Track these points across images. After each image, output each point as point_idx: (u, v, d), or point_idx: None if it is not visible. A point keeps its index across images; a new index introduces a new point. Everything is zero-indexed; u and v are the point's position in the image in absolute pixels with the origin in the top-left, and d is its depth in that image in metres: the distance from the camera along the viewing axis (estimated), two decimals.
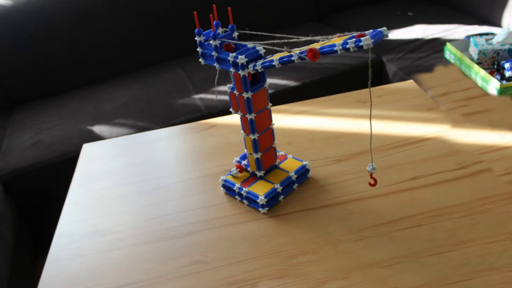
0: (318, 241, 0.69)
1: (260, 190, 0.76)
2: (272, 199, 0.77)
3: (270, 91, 1.78)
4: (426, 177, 0.78)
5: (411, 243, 0.66)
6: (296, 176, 0.79)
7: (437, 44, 1.86)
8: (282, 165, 0.81)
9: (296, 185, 0.80)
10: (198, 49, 0.72)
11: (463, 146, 0.84)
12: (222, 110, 1.75)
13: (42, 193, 1.70)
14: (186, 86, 1.93)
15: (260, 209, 0.76)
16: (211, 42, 0.69)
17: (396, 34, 2.03)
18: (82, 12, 2.06)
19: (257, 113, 0.73)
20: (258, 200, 0.75)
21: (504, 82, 1.50)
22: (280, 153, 0.84)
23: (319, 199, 0.77)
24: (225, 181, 0.81)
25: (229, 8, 0.69)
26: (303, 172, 0.80)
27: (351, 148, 0.88)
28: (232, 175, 0.81)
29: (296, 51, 0.63)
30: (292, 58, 0.62)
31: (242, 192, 0.77)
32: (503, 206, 0.70)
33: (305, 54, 0.61)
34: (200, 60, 0.73)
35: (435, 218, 0.70)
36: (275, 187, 0.76)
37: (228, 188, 0.81)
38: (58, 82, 2.11)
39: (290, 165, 0.81)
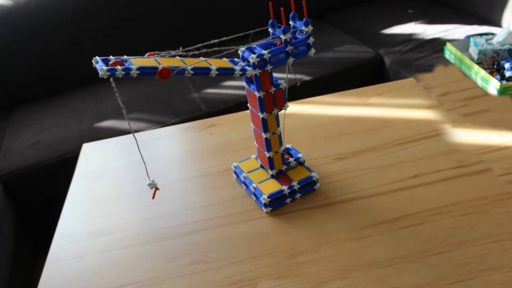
0: (318, 240, 0.69)
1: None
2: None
3: None
4: (427, 175, 0.78)
5: (411, 242, 0.66)
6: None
7: (437, 44, 1.86)
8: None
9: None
10: (310, 40, 0.70)
11: (463, 146, 0.84)
12: (222, 108, 1.75)
13: (42, 193, 1.70)
14: (185, 85, 1.93)
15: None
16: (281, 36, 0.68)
17: (396, 33, 2.03)
18: (82, 12, 2.06)
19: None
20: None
21: (504, 82, 1.50)
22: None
23: (320, 198, 0.77)
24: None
25: (282, 8, 0.68)
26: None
27: (351, 146, 0.88)
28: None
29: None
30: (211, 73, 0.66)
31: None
32: (503, 206, 0.70)
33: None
34: (290, 60, 0.70)
35: (436, 216, 0.70)
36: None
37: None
38: (58, 82, 2.11)
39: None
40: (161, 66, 0.62)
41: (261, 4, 2.22)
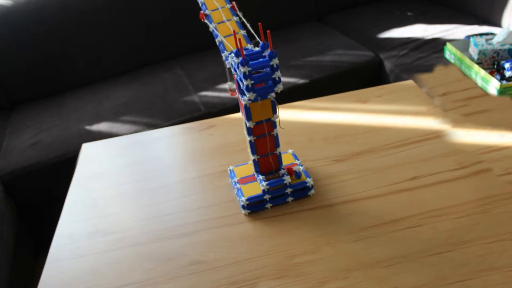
0: (317, 241, 0.69)
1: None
2: (258, 204, 0.76)
3: None
4: (425, 177, 0.78)
5: (411, 243, 0.66)
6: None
7: (437, 44, 1.86)
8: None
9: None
10: (245, 82, 0.62)
11: (463, 146, 0.84)
12: (222, 109, 1.75)
13: (42, 193, 1.70)
14: (185, 85, 1.93)
15: (310, 193, 0.76)
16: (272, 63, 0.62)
17: (396, 34, 2.02)
18: (82, 12, 2.06)
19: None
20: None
21: (504, 82, 1.50)
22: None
23: (319, 199, 0.77)
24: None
25: (259, 23, 0.62)
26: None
27: (350, 148, 0.88)
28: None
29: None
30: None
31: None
32: (503, 206, 0.70)
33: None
34: (246, 97, 0.64)
35: (435, 218, 0.70)
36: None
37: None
38: (58, 82, 2.11)
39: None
40: (203, 11, 0.73)
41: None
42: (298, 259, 0.67)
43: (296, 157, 0.83)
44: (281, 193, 0.76)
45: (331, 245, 0.68)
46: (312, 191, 0.78)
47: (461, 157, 0.81)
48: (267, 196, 0.76)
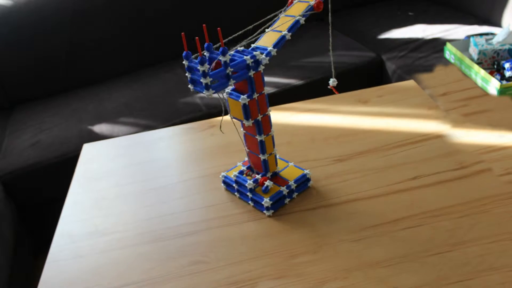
0: (318, 241, 0.69)
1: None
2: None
3: (271, 90, 1.78)
4: (426, 177, 0.78)
5: (411, 243, 0.66)
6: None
7: (437, 44, 1.86)
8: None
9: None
10: (187, 74, 0.66)
11: (463, 146, 0.84)
12: (222, 110, 1.75)
13: (42, 193, 1.70)
14: (186, 86, 1.93)
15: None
16: (199, 68, 0.63)
17: (396, 34, 2.03)
18: (82, 12, 2.06)
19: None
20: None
21: (504, 82, 1.50)
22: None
23: (319, 199, 0.77)
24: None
25: (219, 29, 0.64)
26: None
27: (351, 148, 0.88)
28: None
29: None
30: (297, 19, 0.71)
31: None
32: (503, 206, 0.70)
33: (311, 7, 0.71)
34: (189, 86, 0.67)
35: (435, 218, 0.70)
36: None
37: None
38: (58, 82, 2.11)
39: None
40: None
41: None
42: (298, 259, 0.67)
43: (299, 179, 0.78)
44: (245, 192, 0.77)
45: (331, 245, 0.68)
46: (269, 213, 0.75)
47: (461, 157, 0.81)
48: (235, 186, 0.78)
